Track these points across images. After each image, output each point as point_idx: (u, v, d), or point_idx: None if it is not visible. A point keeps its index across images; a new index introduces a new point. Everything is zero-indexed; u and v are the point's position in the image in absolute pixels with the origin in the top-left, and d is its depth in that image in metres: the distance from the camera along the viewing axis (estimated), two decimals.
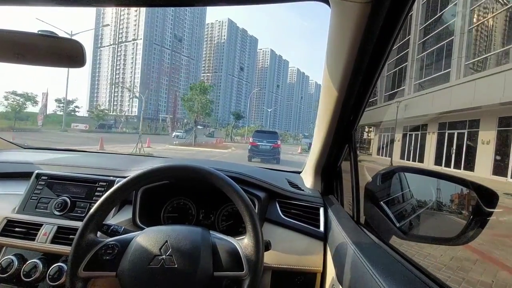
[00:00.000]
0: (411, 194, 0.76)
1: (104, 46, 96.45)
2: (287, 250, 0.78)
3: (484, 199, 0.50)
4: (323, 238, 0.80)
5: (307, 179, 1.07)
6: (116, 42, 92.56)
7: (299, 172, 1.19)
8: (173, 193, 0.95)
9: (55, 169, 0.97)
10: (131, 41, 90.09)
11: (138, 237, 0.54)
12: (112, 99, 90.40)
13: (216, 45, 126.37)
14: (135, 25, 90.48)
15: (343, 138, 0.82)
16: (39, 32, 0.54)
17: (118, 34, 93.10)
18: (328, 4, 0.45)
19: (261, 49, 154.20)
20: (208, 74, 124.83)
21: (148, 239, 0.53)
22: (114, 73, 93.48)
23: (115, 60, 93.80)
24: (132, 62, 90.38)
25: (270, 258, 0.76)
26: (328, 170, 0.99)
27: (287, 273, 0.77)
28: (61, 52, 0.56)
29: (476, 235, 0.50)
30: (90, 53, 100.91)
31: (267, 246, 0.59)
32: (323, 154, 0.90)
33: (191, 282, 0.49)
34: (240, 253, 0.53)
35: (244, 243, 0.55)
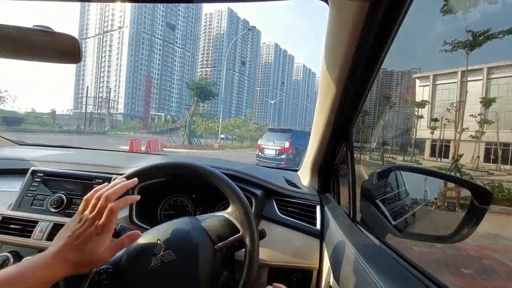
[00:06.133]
0: (407, 193, 0.77)
1: (90, 37, 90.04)
2: (284, 247, 0.79)
3: (478, 198, 0.51)
4: (320, 235, 0.81)
5: (304, 177, 1.08)
6: (102, 32, 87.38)
7: (296, 170, 1.20)
8: (170, 190, 0.95)
9: (51, 165, 0.96)
10: (117, 29, 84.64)
11: (127, 252, 0.53)
12: (98, 95, 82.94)
13: (215, 37, 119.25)
14: (121, 11, 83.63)
15: (340, 137, 0.83)
16: (35, 27, 0.53)
17: (104, 22, 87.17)
18: (327, 2, 0.45)
19: (264, 43, 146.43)
20: (207, 69, 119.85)
21: (138, 248, 0.53)
22: (100, 67, 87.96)
23: (101, 52, 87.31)
24: (118, 53, 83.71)
25: (267, 255, 0.77)
26: (325, 168, 1.00)
27: (284, 270, 0.79)
28: (57, 48, 0.55)
29: (470, 233, 0.51)
30: None
31: (262, 234, 0.61)
32: (320, 152, 0.91)
33: (196, 262, 0.50)
34: (231, 219, 0.56)
35: (230, 210, 0.57)
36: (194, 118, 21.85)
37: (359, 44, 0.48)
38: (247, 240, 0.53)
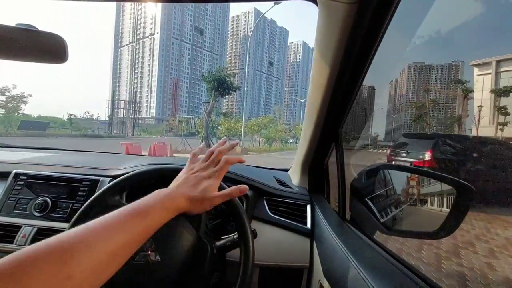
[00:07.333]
0: (395, 191, 0.77)
1: (124, 46, 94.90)
2: (275, 247, 0.80)
3: (462, 194, 0.51)
4: (310, 234, 0.81)
5: (295, 176, 1.07)
6: (135, 40, 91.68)
7: (287, 170, 1.18)
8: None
9: (35, 168, 0.95)
10: (148, 36, 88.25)
11: None
12: (131, 100, 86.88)
13: (242, 39, 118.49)
14: (151, 18, 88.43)
15: (329, 136, 0.82)
16: (17, 26, 0.52)
17: (136, 30, 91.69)
18: (316, 3, 0.46)
19: (292, 42, 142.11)
20: (235, 71, 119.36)
21: None
22: (133, 73, 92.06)
23: (134, 59, 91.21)
24: (149, 59, 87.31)
25: (258, 255, 0.75)
26: (315, 168, 0.99)
27: (275, 270, 0.79)
28: (41, 47, 0.55)
29: (454, 228, 0.52)
30: (111, 54, 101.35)
31: (253, 234, 0.61)
32: (310, 151, 0.90)
33: (185, 267, 0.51)
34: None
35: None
36: (216, 118, 18.48)
37: (347, 45, 0.49)
38: (242, 241, 0.54)
